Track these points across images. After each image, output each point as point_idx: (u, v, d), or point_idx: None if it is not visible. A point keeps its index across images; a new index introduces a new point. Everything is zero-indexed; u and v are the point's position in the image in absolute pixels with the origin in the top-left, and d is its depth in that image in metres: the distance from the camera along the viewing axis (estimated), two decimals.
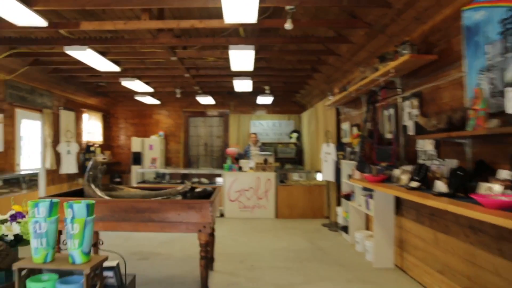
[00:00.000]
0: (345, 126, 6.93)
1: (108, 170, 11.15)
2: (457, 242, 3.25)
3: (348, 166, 6.15)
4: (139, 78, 7.89)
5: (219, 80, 8.30)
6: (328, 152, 7.07)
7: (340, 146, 6.68)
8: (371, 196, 4.89)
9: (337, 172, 6.79)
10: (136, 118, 11.74)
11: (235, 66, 6.23)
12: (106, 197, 3.81)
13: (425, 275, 3.91)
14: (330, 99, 6.91)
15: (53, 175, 8.35)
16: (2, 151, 6.59)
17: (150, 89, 8.63)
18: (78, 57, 5.68)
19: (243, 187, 7.93)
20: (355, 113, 6.37)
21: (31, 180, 6.95)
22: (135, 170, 8.28)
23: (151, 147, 10.74)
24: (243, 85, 7.82)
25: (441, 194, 2.73)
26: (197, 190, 3.95)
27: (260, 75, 7.88)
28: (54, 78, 7.85)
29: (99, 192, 3.85)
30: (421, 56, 3.66)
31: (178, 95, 9.19)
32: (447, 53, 3.48)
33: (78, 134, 9.47)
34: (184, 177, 8.59)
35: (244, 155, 8.91)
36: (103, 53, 6.04)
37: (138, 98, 9.84)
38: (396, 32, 4.30)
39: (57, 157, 8.27)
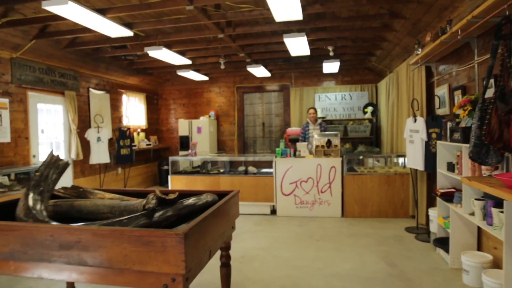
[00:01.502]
0: (441, 91, 4.80)
1: (157, 157, 10.12)
2: None
3: (447, 150, 4.09)
4: (168, 46, 6.44)
5: (267, 42, 6.53)
6: (415, 130, 5.02)
7: (434, 121, 4.60)
8: (496, 203, 2.86)
9: (428, 157, 4.74)
10: (185, 98, 10.47)
11: (277, 13, 4.44)
12: (41, 213, 2.37)
13: None
14: (418, 53, 4.81)
15: (83, 166, 7.36)
16: (10, 142, 5.61)
17: (187, 61, 7.16)
18: (67, 16, 4.35)
19: (300, 177, 6.18)
20: (459, 69, 4.22)
21: None
22: (170, 158, 6.96)
23: (199, 129, 9.40)
24: (297, 46, 5.95)
25: None
26: (183, 204, 2.31)
27: (317, 28, 5.97)
28: (74, 55, 6.72)
29: (31, 203, 2.43)
30: None
31: (222, 66, 7.61)
32: None
33: (115, 119, 8.42)
34: (228, 165, 7.07)
35: (303, 136, 7.10)
36: (101, 11, 4.63)
37: (181, 73, 8.48)
38: None
39: (87, 145, 7.22)
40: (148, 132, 9.91)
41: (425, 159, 4.84)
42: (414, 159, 5.09)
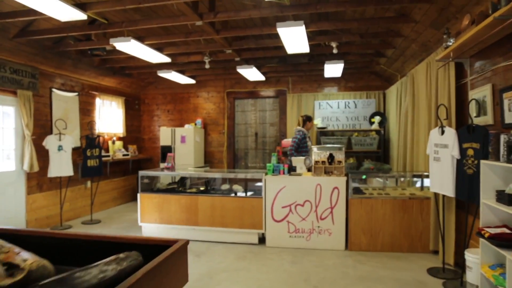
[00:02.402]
0: (479, 94, 3.68)
1: (137, 168, 8.95)
2: None
3: (498, 174, 2.97)
4: (140, 39, 5.37)
5: (257, 34, 5.47)
6: (442, 144, 3.90)
7: (472, 133, 3.48)
8: None
9: (462, 180, 3.63)
10: (170, 104, 9.36)
11: None
12: None
13: None
14: (450, 44, 3.72)
15: (41, 180, 6.21)
16: None
17: (165, 58, 6.08)
18: None
19: (295, 200, 5.04)
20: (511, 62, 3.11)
21: None
22: (140, 173, 5.82)
23: (183, 139, 8.28)
24: (294, 40, 4.86)
25: None
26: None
27: (318, 15, 4.92)
28: (30, 47, 5.62)
29: None
30: None
31: (207, 65, 6.52)
32: None
33: (86, 125, 7.28)
34: (211, 182, 5.91)
35: (296, 149, 5.92)
36: None
37: (162, 74, 7.41)
38: None
39: (47, 155, 6.11)
40: (126, 140, 8.79)
41: (457, 182, 3.72)
42: (440, 181, 3.96)
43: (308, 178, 5.04)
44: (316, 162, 5.11)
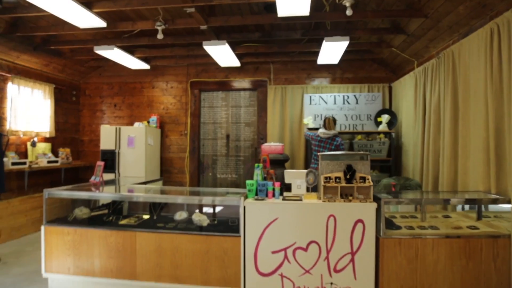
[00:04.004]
0: None
1: (73, 179, 6.86)
2: None
3: None
4: None
5: None
6: None
7: None
8: None
9: None
10: (117, 96, 7.27)
11: None
12: None
13: None
14: None
15: None
16: None
17: (97, 20, 4.06)
18: None
19: (294, 241, 3.13)
20: None
21: None
22: (46, 192, 3.74)
23: (131, 141, 6.23)
24: None
25: None
26: None
27: None
28: None
29: None
30: None
31: (161, 35, 4.55)
32: None
33: None
34: (157, 207, 3.90)
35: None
36: None
37: (100, 52, 5.36)
38: None
39: None
40: (57, 142, 6.65)
41: None
42: None
43: (313, 204, 3.15)
44: (327, 179, 3.22)
